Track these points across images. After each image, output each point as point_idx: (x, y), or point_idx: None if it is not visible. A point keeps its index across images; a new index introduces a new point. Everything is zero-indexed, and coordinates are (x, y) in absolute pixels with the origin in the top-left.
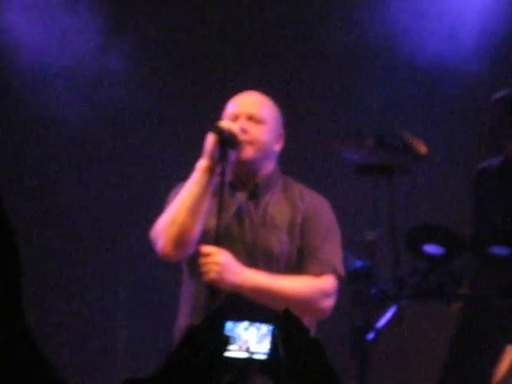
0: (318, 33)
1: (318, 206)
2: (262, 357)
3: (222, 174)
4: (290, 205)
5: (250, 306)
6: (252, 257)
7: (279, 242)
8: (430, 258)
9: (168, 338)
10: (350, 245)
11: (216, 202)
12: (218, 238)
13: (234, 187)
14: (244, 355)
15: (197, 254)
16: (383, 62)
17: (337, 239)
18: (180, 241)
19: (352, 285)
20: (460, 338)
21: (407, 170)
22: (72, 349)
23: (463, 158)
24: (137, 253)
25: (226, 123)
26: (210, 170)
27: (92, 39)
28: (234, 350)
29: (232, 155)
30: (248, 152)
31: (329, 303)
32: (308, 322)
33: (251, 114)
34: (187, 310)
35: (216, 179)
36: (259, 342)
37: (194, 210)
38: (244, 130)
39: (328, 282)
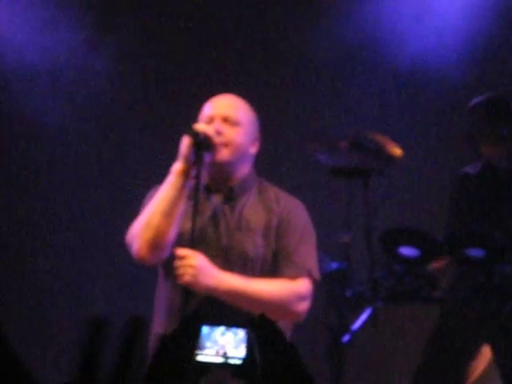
0: (297, 36)
1: (293, 209)
2: (238, 361)
3: (197, 176)
4: (266, 208)
5: (226, 310)
6: (227, 260)
7: (254, 245)
8: (406, 260)
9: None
10: (325, 247)
11: (191, 204)
12: (193, 241)
13: (209, 190)
14: (220, 360)
15: (172, 257)
16: (364, 63)
17: (312, 242)
18: (155, 244)
19: (327, 287)
20: (436, 338)
21: (382, 172)
22: (46, 347)
23: (439, 160)
24: (114, 253)
25: (200, 125)
26: (185, 173)
27: (76, 37)
28: (211, 355)
29: (207, 158)
30: (223, 154)
31: (304, 306)
32: (283, 325)
33: (226, 116)
34: (162, 313)
35: (191, 182)
36: (236, 346)
37: (169, 213)
38: (219, 132)
39: (303, 285)
